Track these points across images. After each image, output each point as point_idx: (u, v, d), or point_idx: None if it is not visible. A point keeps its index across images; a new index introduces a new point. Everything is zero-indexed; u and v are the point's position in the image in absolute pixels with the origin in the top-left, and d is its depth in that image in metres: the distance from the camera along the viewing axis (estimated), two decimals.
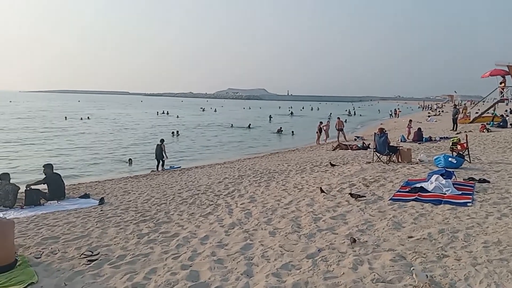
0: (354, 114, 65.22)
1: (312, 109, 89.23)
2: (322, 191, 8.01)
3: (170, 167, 16.61)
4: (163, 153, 16.17)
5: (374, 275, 3.95)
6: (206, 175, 12.76)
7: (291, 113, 66.90)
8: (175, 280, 4.14)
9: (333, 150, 17.80)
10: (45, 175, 9.53)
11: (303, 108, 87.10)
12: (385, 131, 12.50)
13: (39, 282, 4.31)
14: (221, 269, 4.38)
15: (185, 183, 11.16)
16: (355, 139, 23.33)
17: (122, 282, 4.21)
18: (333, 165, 11.96)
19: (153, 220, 6.90)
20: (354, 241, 4.86)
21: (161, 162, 16.21)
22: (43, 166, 9.88)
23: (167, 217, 7.07)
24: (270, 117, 53.28)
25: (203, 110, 74.68)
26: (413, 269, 3.80)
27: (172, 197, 8.94)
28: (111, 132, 33.04)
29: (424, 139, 18.51)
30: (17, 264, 4.81)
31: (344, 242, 4.94)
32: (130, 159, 18.38)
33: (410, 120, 23.14)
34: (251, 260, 4.61)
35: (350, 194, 7.49)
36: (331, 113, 31.71)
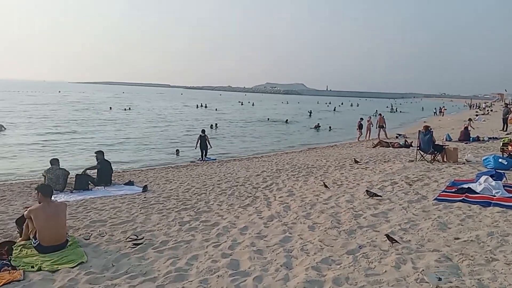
0: (396, 111, 63.23)
1: (351, 105, 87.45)
2: (325, 186, 8.30)
3: (208, 158, 16.92)
4: (207, 143, 16.55)
5: (418, 275, 3.85)
6: (244, 167, 12.88)
7: (334, 108, 65.48)
8: (216, 268, 4.23)
9: (373, 147, 17.38)
10: (97, 160, 10.01)
11: (342, 104, 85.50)
12: (431, 128, 12.04)
13: (88, 262, 4.56)
14: (260, 260, 4.43)
15: (224, 175, 11.32)
16: (397, 137, 22.63)
17: (165, 266, 4.37)
18: (356, 162, 11.79)
19: (194, 209, 7.08)
20: (393, 241, 4.72)
21: (204, 152, 16.54)
22: (95, 153, 10.37)
23: (207, 207, 7.22)
24: (310, 112, 52.58)
25: (242, 104, 75.16)
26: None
27: (211, 188, 9.11)
28: (154, 123, 34.04)
29: (471, 138, 17.64)
30: (68, 244, 5.11)
31: (386, 240, 4.84)
32: (177, 150, 18.67)
33: (470, 119, 22.14)
34: (291, 252, 4.63)
35: (367, 191, 7.38)
36: (376, 110, 31.01)
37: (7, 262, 4.57)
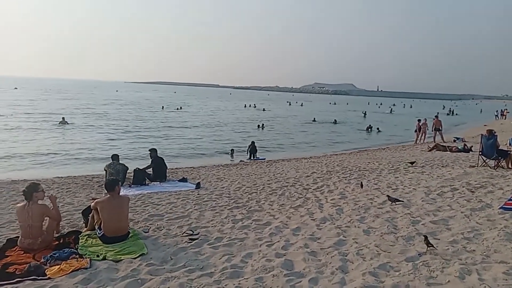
0: (453, 113, 59.92)
1: (404, 106, 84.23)
2: (361, 186, 8.44)
3: (257, 158, 17.11)
4: (255, 147, 17.02)
5: (485, 287, 3.63)
6: (294, 168, 12.83)
7: (391, 110, 63.09)
8: (270, 267, 4.26)
9: (429, 151, 16.61)
10: (151, 158, 10.48)
11: (394, 105, 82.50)
12: (495, 132, 11.29)
13: (148, 254, 4.77)
14: (315, 262, 4.39)
15: (273, 175, 11.36)
16: (454, 140, 21.45)
17: (221, 262, 4.47)
18: (412, 163, 11.35)
19: (246, 207, 7.17)
20: (429, 245, 4.52)
21: (253, 155, 16.94)
22: (149, 150, 10.86)
23: (258, 206, 7.29)
24: (365, 113, 51.06)
25: (290, 104, 74.96)
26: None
27: (262, 187, 9.17)
28: (204, 122, 34.91)
29: None
30: (129, 235, 5.38)
31: (448, 248, 4.60)
32: (232, 149, 19.00)
33: None
34: (346, 256, 4.55)
35: (388, 196, 7.16)
36: (438, 113, 29.78)
37: (74, 250, 4.90)
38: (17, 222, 5.48)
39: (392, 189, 8.33)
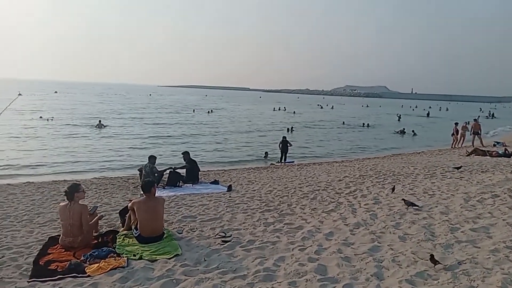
0: (493, 116, 57.34)
1: (440, 109, 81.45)
2: (393, 190, 8.31)
3: (288, 161, 17.07)
4: (288, 146, 16.89)
5: None
6: (325, 172, 12.69)
7: (428, 114, 60.84)
8: (303, 271, 4.23)
9: (467, 156, 15.97)
10: (184, 160, 10.69)
11: (430, 108, 79.92)
12: None
13: (182, 255, 4.86)
14: (349, 267, 4.32)
15: (305, 178, 11.28)
16: (494, 145, 20.52)
17: (254, 265, 4.48)
18: (458, 168, 11.05)
19: (277, 210, 7.17)
20: (436, 262, 4.21)
21: (284, 155, 16.84)
22: (182, 153, 11.09)
23: (290, 209, 7.26)
24: (399, 116, 49.76)
25: (321, 108, 74.35)
26: None
27: (293, 191, 9.13)
28: (235, 125, 35.22)
29: None
30: (164, 236, 5.51)
31: (490, 257, 4.41)
32: (266, 152, 18.97)
33: None
34: (381, 262, 4.44)
35: (404, 200, 7.10)
36: (479, 116, 28.73)
37: (112, 249, 5.07)
38: (58, 220, 5.74)
39: (429, 194, 8.06)
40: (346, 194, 8.61)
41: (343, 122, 40.45)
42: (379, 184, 9.60)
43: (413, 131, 31.27)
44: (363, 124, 38.72)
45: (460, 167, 11.24)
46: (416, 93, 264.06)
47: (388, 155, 19.28)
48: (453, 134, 22.12)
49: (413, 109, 76.70)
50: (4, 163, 15.17)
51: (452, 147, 21.48)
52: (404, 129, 32.44)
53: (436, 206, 6.95)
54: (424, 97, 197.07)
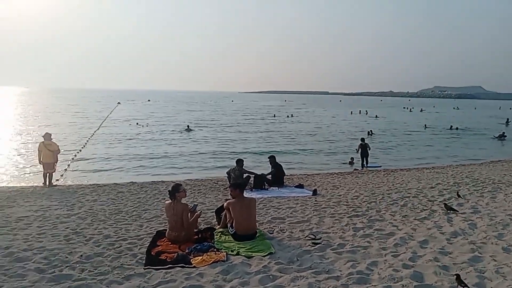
0: None
1: None
2: (458, 195, 8.33)
3: (372, 165, 16.57)
4: (368, 150, 16.47)
5: None
6: (415, 178, 12.14)
7: None
8: (399, 277, 4.21)
9: None
10: (270, 164, 11.07)
11: None
12: None
13: (275, 254, 5.12)
14: (447, 276, 4.19)
15: (393, 184, 10.95)
16: None
17: (346, 267, 4.57)
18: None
19: (366, 216, 7.10)
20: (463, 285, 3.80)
21: (365, 159, 16.43)
22: (268, 158, 11.49)
23: (379, 216, 7.15)
24: (508, 121, 44.87)
25: (410, 111, 70.63)
26: None
27: (381, 197, 8.94)
28: (317, 130, 35.11)
29: None
30: (257, 235, 5.84)
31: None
32: (352, 158, 18.58)
33: None
34: (483, 273, 4.23)
35: (445, 204, 7.46)
36: None
37: (212, 244, 5.53)
38: (163, 216, 6.40)
39: None
40: (439, 202, 8.19)
41: (425, 125, 38.26)
42: (476, 193, 8.96)
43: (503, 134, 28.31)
44: (451, 127, 36.16)
45: None
46: None
47: (486, 162, 17.72)
48: None
49: None
50: (110, 166, 17.07)
51: None
52: (504, 133, 29.40)
53: None
54: None
